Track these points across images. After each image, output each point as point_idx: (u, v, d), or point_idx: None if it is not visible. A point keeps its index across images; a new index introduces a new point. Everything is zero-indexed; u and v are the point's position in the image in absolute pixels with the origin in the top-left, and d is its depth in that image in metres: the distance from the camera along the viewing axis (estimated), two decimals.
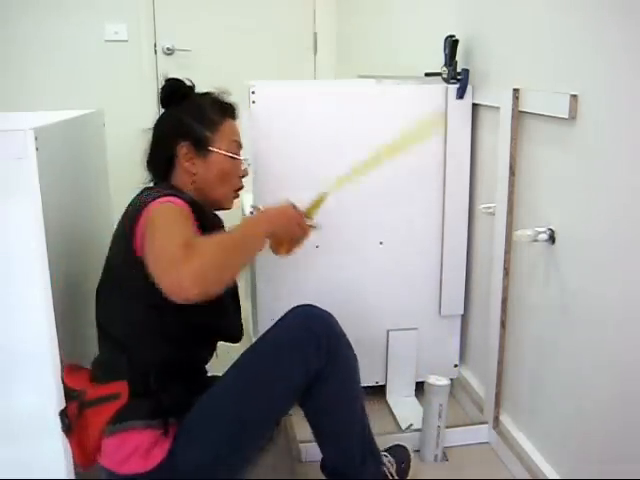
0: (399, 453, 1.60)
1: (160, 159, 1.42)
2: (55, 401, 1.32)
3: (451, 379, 1.73)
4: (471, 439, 1.77)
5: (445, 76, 1.79)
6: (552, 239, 1.44)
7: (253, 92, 1.68)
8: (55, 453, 1.35)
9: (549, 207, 1.47)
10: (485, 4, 1.76)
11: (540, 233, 1.44)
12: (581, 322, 1.37)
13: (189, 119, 1.39)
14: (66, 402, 1.29)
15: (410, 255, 1.88)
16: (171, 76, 1.46)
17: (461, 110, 1.80)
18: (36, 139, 1.22)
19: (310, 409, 1.34)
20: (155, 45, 3.59)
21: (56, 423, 1.33)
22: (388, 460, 1.52)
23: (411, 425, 1.80)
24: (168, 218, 1.19)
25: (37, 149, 1.22)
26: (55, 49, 3.46)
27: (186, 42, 3.61)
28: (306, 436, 1.48)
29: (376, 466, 1.45)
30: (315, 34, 3.79)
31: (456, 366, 2.00)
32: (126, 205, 1.33)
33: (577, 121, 1.33)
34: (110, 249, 1.33)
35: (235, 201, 1.47)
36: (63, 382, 1.31)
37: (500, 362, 1.71)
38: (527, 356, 1.61)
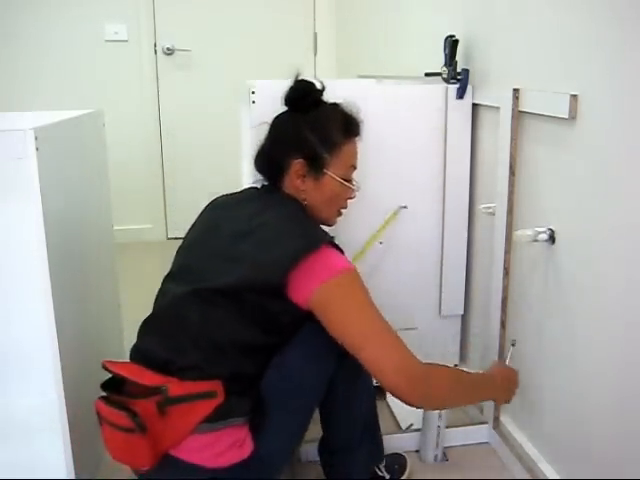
0: (395, 458, 1.65)
1: (271, 163, 1.38)
2: (55, 401, 1.32)
3: None
4: (471, 439, 1.77)
5: (445, 76, 1.79)
6: (552, 239, 1.44)
7: (253, 92, 1.67)
8: (55, 453, 1.35)
9: (549, 207, 1.47)
10: (485, 4, 1.76)
11: (540, 233, 1.44)
12: (581, 322, 1.37)
13: (312, 136, 1.32)
14: (123, 397, 1.20)
15: (410, 255, 1.87)
16: (303, 77, 1.37)
17: (461, 110, 1.80)
18: (36, 139, 1.22)
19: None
20: (155, 45, 3.60)
21: (56, 423, 1.33)
22: None
23: (411, 425, 1.80)
24: (366, 301, 1.24)
25: (37, 149, 1.22)
26: (55, 49, 3.46)
27: (186, 42, 3.61)
28: (306, 436, 1.48)
29: (369, 457, 1.50)
30: (315, 34, 3.79)
31: (456, 366, 1.99)
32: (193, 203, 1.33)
33: (577, 121, 1.33)
34: (238, 265, 1.23)
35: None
36: (115, 375, 1.23)
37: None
38: (527, 356, 1.61)
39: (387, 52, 2.76)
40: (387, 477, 1.56)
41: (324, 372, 1.30)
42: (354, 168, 1.41)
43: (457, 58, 1.77)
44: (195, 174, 3.68)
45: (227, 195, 1.44)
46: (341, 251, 1.30)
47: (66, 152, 1.50)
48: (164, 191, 3.75)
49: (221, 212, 1.39)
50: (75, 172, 1.58)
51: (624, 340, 1.23)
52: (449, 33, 1.78)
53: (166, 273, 1.37)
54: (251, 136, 1.70)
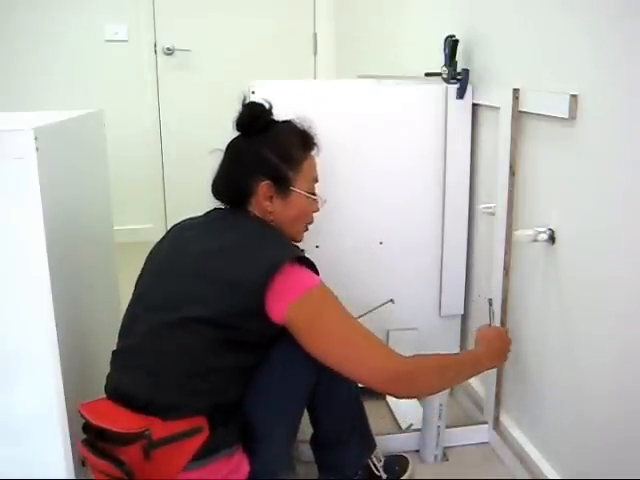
0: (397, 459, 1.66)
1: (235, 188, 1.37)
2: (55, 400, 1.32)
3: None
4: (471, 439, 1.77)
5: (445, 76, 1.79)
6: (552, 239, 1.44)
7: (253, 92, 1.67)
8: (55, 453, 1.35)
9: (549, 207, 1.47)
10: (485, 4, 1.76)
11: (540, 233, 1.44)
12: (581, 322, 1.37)
13: (273, 156, 1.34)
14: (99, 445, 1.17)
15: (410, 255, 1.87)
16: (251, 100, 1.38)
17: (461, 110, 1.80)
18: (36, 139, 1.22)
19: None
20: (155, 45, 3.60)
21: (56, 422, 1.33)
22: (375, 454, 1.57)
23: (411, 425, 1.80)
24: (340, 311, 1.25)
25: (37, 149, 1.22)
26: (55, 49, 3.46)
27: (186, 42, 3.61)
28: (306, 436, 1.49)
29: (360, 449, 1.52)
30: (315, 34, 3.79)
31: None
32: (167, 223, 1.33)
33: (577, 121, 1.33)
34: (213, 289, 1.22)
35: None
36: (95, 425, 1.17)
37: None
38: (527, 356, 1.61)
39: (387, 52, 2.76)
40: (384, 477, 1.56)
41: (305, 383, 1.30)
42: (316, 181, 1.43)
43: (457, 58, 1.77)
44: (195, 174, 3.67)
45: (192, 218, 1.42)
46: (312, 264, 1.29)
47: (66, 152, 1.50)
48: (164, 191, 3.75)
49: (188, 233, 1.37)
50: (75, 172, 1.58)
51: (624, 340, 1.23)
52: (449, 33, 1.78)
53: (133, 296, 1.34)
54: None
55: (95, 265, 1.74)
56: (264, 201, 1.34)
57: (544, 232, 1.44)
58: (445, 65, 1.79)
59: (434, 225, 1.87)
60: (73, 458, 1.36)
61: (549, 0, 1.43)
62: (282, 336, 1.25)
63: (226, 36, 3.65)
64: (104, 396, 1.25)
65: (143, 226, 3.72)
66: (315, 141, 1.42)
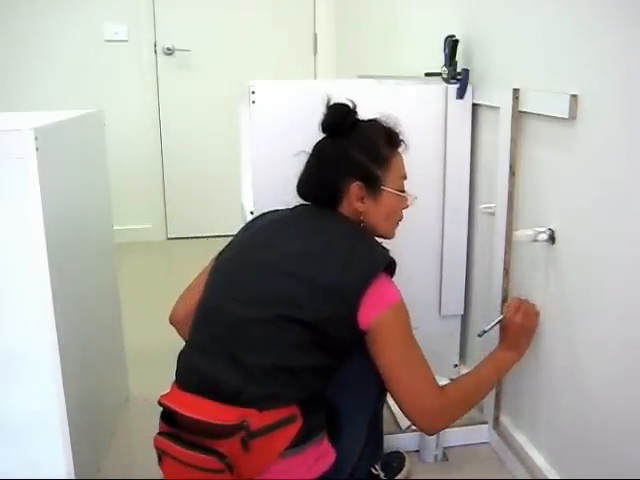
0: (394, 456, 1.67)
1: (327, 193, 1.36)
2: (55, 401, 1.32)
3: (451, 379, 1.73)
4: (471, 439, 1.77)
5: (445, 76, 1.79)
6: (552, 239, 1.44)
7: (253, 92, 1.68)
8: (55, 453, 1.35)
9: (549, 207, 1.47)
10: (485, 4, 1.77)
11: (540, 233, 1.44)
12: (581, 322, 1.37)
13: (362, 156, 1.34)
14: (202, 440, 1.15)
15: (410, 255, 1.87)
16: (335, 101, 1.39)
17: (461, 110, 1.80)
18: (36, 139, 1.22)
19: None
20: (155, 45, 3.60)
21: (56, 423, 1.33)
22: None
23: (411, 425, 1.79)
24: (409, 339, 1.31)
25: (37, 149, 1.23)
26: (55, 49, 3.47)
27: (186, 42, 3.62)
28: None
29: (370, 458, 1.50)
30: (315, 34, 3.79)
31: (456, 366, 1.99)
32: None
33: (577, 121, 1.33)
34: (303, 294, 1.23)
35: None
36: (189, 418, 1.15)
37: None
38: (527, 356, 1.61)
39: (387, 52, 2.77)
40: (382, 475, 1.56)
41: (380, 384, 1.32)
42: (405, 178, 1.43)
43: (457, 58, 1.77)
44: (195, 174, 3.69)
45: (278, 211, 1.42)
46: (394, 266, 1.35)
47: (66, 152, 1.50)
48: (164, 191, 3.75)
49: (275, 228, 1.37)
50: (75, 172, 1.58)
51: (624, 340, 1.23)
52: (449, 33, 1.78)
53: (210, 277, 1.33)
54: (251, 137, 1.70)
55: (95, 265, 1.74)
56: (356, 202, 1.34)
57: (544, 232, 1.44)
58: (445, 65, 1.79)
59: (434, 225, 1.87)
60: (73, 458, 1.36)
61: (549, 0, 1.43)
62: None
63: (226, 36, 3.66)
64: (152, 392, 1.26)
65: (143, 226, 3.72)
66: (402, 138, 1.41)
